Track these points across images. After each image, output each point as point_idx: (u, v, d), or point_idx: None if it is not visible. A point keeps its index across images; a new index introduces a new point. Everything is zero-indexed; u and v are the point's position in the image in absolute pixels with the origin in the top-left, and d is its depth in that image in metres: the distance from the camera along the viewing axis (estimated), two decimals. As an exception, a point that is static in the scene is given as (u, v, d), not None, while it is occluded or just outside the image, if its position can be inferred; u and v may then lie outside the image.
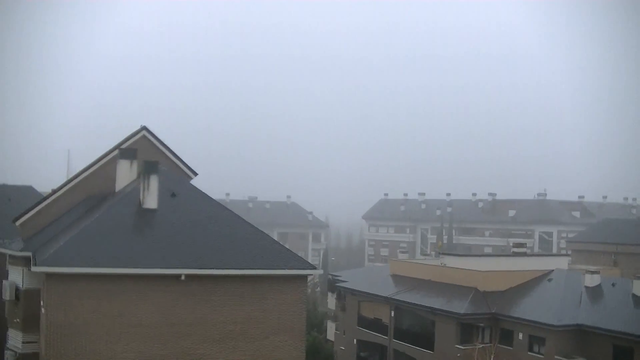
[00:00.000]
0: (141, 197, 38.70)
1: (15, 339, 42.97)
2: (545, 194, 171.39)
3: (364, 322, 77.21)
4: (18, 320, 42.40)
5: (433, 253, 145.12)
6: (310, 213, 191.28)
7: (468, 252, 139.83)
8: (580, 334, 58.06)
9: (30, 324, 41.01)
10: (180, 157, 47.75)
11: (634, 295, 61.90)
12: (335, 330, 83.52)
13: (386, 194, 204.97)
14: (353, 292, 79.05)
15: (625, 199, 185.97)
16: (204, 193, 41.83)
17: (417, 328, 70.26)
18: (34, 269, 33.66)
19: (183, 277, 34.54)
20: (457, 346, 63.42)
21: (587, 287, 64.70)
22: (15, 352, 42.54)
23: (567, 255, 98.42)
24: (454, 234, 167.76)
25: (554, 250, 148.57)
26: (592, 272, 66.72)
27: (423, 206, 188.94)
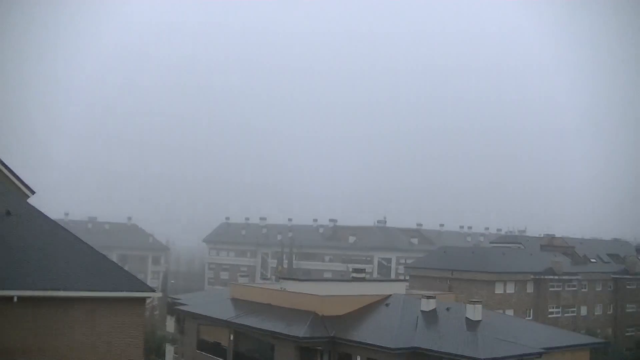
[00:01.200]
0: (-27, 215, 37.12)
1: None
2: (385, 221, 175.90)
3: (203, 346, 76.59)
4: None
5: (273, 277, 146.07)
6: (151, 235, 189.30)
7: (308, 276, 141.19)
8: (416, 357, 59.46)
9: None
10: (16, 172, 46.17)
11: (467, 319, 64.17)
12: (174, 354, 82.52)
13: (227, 218, 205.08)
14: (193, 316, 78.30)
15: (461, 227, 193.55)
16: (42, 212, 40.51)
17: (257, 352, 70.27)
18: None
19: (15, 299, 33.23)
20: (297, 369, 63.84)
21: (423, 312, 66.52)
22: None
23: (405, 280, 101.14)
24: (294, 258, 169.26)
25: (393, 276, 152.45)
26: (428, 297, 68.69)
27: (264, 230, 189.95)
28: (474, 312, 64.89)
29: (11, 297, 33.14)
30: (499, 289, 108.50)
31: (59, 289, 34.44)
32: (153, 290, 38.79)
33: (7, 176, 45.17)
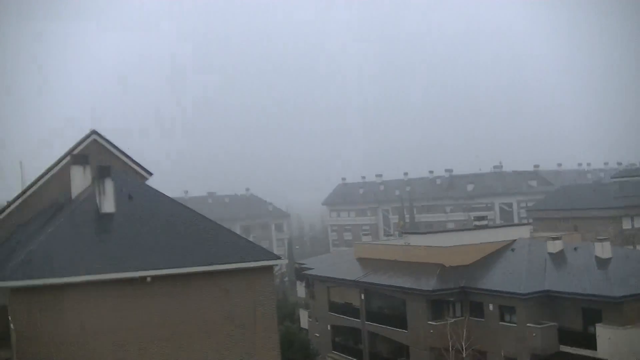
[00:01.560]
0: (98, 202, 38.02)
1: (-12, 357, 42.19)
2: (501, 166, 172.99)
3: (335, 308, 77.22)
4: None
5: (396, 233, 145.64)
6: (270, 204, 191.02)
7: (430, 229, 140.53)
8: (549, 300, 58.43)
9: (2, 341, 40.21)
10: (134, 158, 47.15)
11: (596, 258, 62.44)
12: (308, 318, 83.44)
13: (344, 179, 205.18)
14: (321, 279, 78.95)
15: (580, 164, 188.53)
16: (161, 193, 41.24)
17: (389, 308, 70.42)
18: (-4, 284, 32.94)
19: (149, 279, 33.94)
20: (430, 322, 63.59)
21: (550, 254, 65.17)
22: (-11, 371, 41.79)
23: (528, 224, 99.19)
24: (414, 212, 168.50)
25: (515, 220, 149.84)
26: (554, 239, 67.21)
27: (382, 188, 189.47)
28: (603, 249, 62.93)
29: (144, 278, 33.95)
30: (626, 224, 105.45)
31: (187, 266, 35.09)
32: (278, 258, 39.08)
33: (124, 162, 46.22)
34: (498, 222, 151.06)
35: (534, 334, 57.48)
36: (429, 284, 64.22)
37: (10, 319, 34.71)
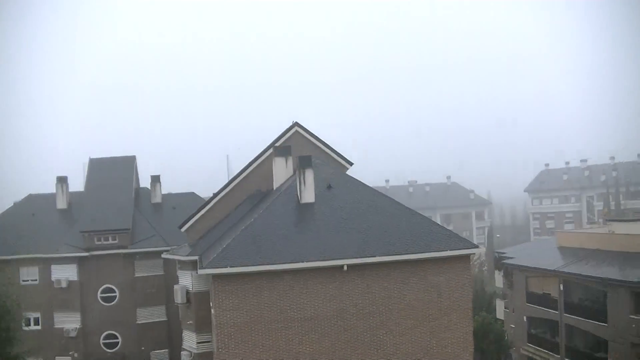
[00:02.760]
0: (298, 193, 39.46)
1: (189, 340, 44.79)
2: None
3: (532, 298, 75.77)
4: (191, 322, 44.15)
5: (600, 221, 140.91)
6: (472, 192, 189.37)
7: (638, 216, 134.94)
8: None
9: (203, 325, 42.63)
10: (334, 148, 48.44)
11: None
12: (505, 308, 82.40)
13: (547, 164, 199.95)
14: (520, 268, 77.69)
15: None
16: (361, 182, 42.21)
17: (588, 300, 68.30)
18: (200, 271, 34.99)
19: (345, 268, 35.00)
20: (632, 316, 61.20)
21: None
22: (191, 353, 44.35)
23: None
24: (621, 199, 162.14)
25: None
26: None
27: (586, 173, 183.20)
28: None
29: (341, 266, 35.01)
30: None
31: (387, 254, 35.84)
32: (476, 247, 39.16)
33: (325, 152, 47.58)
34: None
35: None
36: (634, 274, 61.82)
37: (211, 304, 36.71)
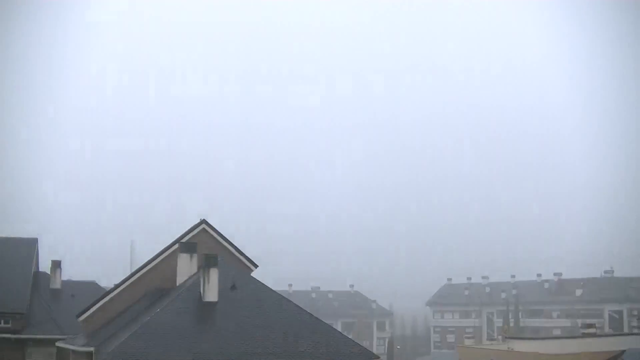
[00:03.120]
0: (202, 291, 38.97)
1: None
2: (613, 271, 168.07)
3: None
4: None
5: (500, 337, 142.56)
6: (374, 301, 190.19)
7: (536, 334, 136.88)
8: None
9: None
10: (240, 249, 48.24)
11: None
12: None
13: (449, 279, 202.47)
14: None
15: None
16: (264, 285, 42.01)
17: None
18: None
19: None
20: None
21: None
22: None
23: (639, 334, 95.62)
24: (520, 316, 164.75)
25: (625, 330, 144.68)
26: (668, 351, 64.59)
27: (487, 289, 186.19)
28: None
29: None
30: None
31: (284, 357, 35.41)
32: (377, 357, 39.01)
33: (231, 252, 47.31)
34: (607, 330, 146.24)
35: None
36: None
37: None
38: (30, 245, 70.68)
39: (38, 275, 71.18)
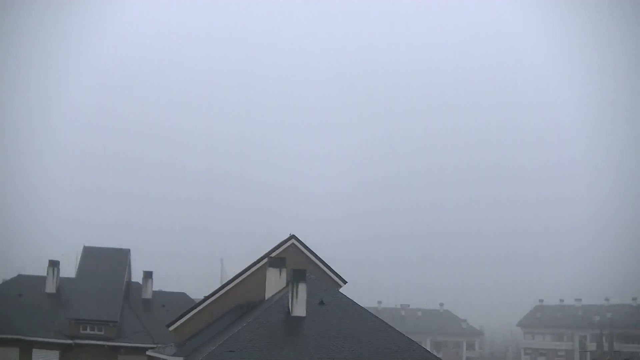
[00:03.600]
0: (290, 305, 39.04)
1: None
2: None
3: None
4: None
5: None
6: (464, 320, 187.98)
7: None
8: None
9: None
10: (329, 264, 48.26)
11: None
12: None
13: (541, 300, 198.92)
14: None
15: None
16: (353, 301, 41.84)
17: None
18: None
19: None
20: None
21: None
22: None
23: None
24: (614, 341, 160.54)
25: None
26: None
27: (580, 312, 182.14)
28: None
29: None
30: None
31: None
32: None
33: (320, 267, 47.38)
34: None
35: None
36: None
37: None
38: (123, 256, 72.23)
39: (130, 285, 72.76)
